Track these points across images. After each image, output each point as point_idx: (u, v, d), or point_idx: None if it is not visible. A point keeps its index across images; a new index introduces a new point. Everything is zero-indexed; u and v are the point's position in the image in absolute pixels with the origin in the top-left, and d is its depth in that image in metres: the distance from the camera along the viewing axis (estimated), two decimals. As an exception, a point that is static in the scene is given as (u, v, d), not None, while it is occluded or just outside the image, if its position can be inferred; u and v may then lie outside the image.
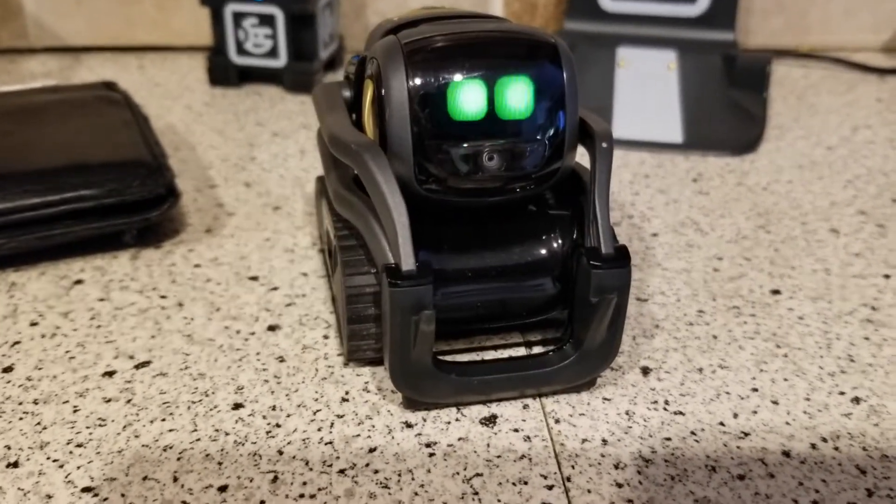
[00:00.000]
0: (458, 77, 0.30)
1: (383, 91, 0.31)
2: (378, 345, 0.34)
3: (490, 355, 0.36)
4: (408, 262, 0.30)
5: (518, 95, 0.31)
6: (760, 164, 0.56)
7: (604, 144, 0.32)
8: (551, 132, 0.31)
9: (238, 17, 0.66)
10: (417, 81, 0.30)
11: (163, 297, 0.40)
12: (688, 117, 0.61)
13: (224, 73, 0.68)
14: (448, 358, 0.35)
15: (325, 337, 0.37)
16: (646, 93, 0.64)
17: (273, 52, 0.67)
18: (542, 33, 0.32)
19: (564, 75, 0.31)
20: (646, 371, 0.36)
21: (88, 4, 0.75)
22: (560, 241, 0.34)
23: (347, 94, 0.37)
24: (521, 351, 0.37)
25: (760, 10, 0.78)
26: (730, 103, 0.63)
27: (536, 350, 0.37)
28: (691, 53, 0.67)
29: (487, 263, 0.34)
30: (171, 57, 0.76)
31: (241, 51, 0.67)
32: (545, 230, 0.34)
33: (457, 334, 0.37)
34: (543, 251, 0.34)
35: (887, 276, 0.43)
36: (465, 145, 0.31)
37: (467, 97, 0.30)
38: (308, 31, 0.66)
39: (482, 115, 0.30)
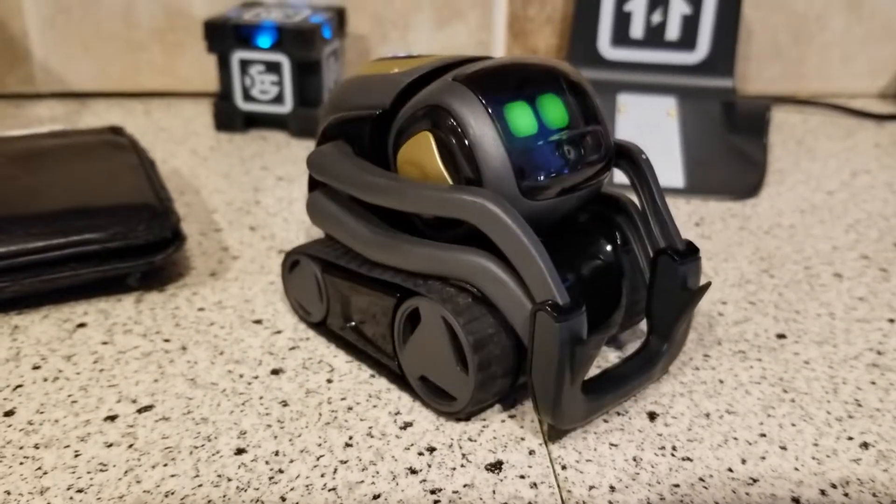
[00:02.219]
0: (526, 95, 0.33)
1: (467, 129, 0.32)
2: (500, 389, 0.34)
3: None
4: (563, 295, 0.30)
5: (558, 106, 0.34)
6: (762, 209, 0.56)
7: (644, 156, 0.36)
8: (599, 134, 0.35)
9: (245, 64, 0.67)
10: (500, 112, 0.32)
11: (166, 340, 0.40)
12: (689, 162, 0.61)
13: (230, 118, 0.69)
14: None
15: (329, 381, 0.37)
16: (646, 138, 0.64)
17: (279, 99, 0.68)
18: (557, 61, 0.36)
19: (587, 90, 0.35)
20: (652, 416, 0.35)
21: (96, 50, 0.76)
22: (620, 245, 0.37)
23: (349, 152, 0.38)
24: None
25: (758, 58, 0.79)
26: (730, 149, 0.64)
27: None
28: (691, 100, 0.68)
29: (591, 279, 0.36)
30: (177, 103, 0.76)
31: (248, 97, 0.68)
32: (621, 237, 0.37)
33: None
34: (617, 255, 0.37)
35: (892, 321, 0.43)
36: (550, 149, 0.33)
37: (545, 109, 0.33)
38: (313, 77, 0.67)
39: (537, 128, 0.33)
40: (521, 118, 0.33)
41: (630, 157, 0.37)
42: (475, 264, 0.33)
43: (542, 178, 0.33)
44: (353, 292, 0.38)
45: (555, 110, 0.33)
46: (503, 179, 0.32)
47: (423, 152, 0.34)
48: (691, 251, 0.36)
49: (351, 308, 0.39)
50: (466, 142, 0.32)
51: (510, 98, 0.33)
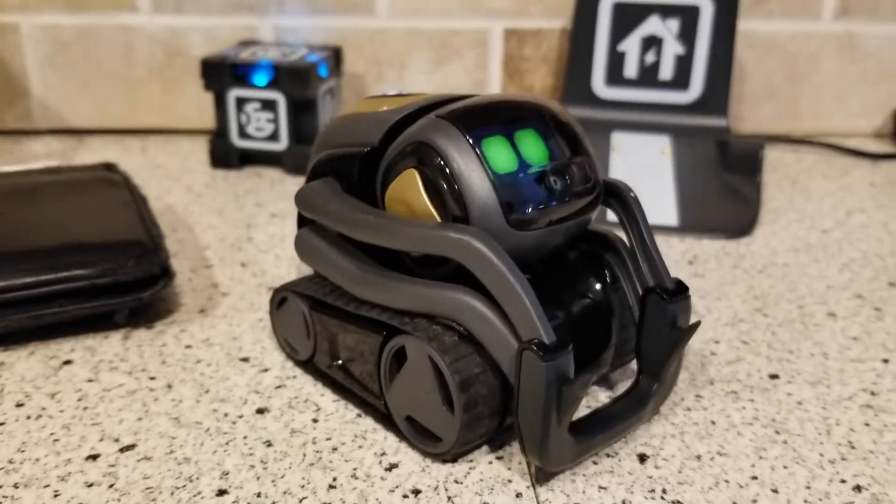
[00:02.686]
0: (503, 131, 0.33)
1: (453, 165, 0.32)
2: (487, 430, 0.34)
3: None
4: (549, 334, 0.30)
5: (537, 141, 0.34)
6: (756, 247, 0.56)
7: (632, 194, 0.36)
8: (585, 167, 0.35)
9: (241, 102, 0.67)
10: (483, 146, 0.33)
11: (152, 378, 0.40)
12: (682, 201, 0.61)
13: (226, 155, 0.69)
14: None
15: (315, 420, 0.37)
16: (640, 177, 0.64)
17: (274, 136, 0.68)
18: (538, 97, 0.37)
19: (570, 123, 0.35)
20: (643, 458, 0.35)
21: (94, 88, 0.76)
22: (625, 283, 0.37)
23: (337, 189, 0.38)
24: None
25: (752, 97, 0.80)
26: (724, 187, 0.64)
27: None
28: (685, 139, 0.68)
29: (580, 318, 0.36)
30: (174, 140, 0.77)
31: (243, 134, 0.68)
32: (610, 275, 0.37)
33: None
34: (614, 294, 0.37)
35: (886, 361, 0.42)
36: (534, 181, 0.33)
37: (523, 143, 0.33)
38: (309, 115, 0.68)
39: (518, 163, 0.33)
40: (500, 153, 0.33)
41: (618, 195, 0.37)
42: (461, 302, 0.32)
43: (529, 209, 0.33)
44: (341, 330, 0.38)
45: (533, 145, 0.33)
46: (490, 213, 0.32)
47: (409, 189, 0.34)
48: (680, 290, 0.36)
49: (338, 346, 0.38)
50: (452, 178, 0.32)
51: (491, 134, 0.33)
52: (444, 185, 0.33)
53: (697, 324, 0.35)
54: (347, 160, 0.37)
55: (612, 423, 0.34)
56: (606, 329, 0.37)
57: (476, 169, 0.32)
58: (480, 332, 0.32)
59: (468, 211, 0.32)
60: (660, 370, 0.36)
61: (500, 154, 0.33)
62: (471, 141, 0.32)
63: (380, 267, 0.36)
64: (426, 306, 0.34)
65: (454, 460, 0.34)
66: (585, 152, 0.35)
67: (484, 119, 0.34)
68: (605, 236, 0.38)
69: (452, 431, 0.33)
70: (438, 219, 0.33)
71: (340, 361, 0.38)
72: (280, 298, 0.41)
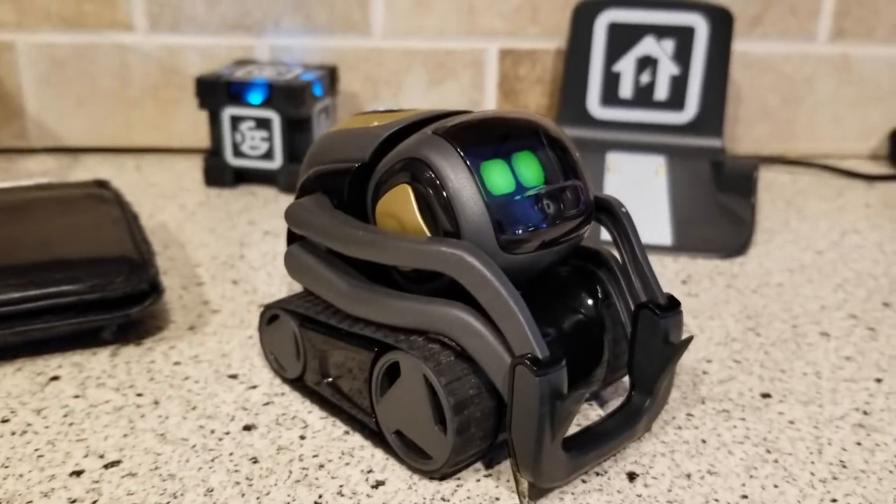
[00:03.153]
0: (502, 154, 0.33)
1: (446, 182, 0.32)
2: (478, 451, 0.33)
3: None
4: (542, 349, 0.30)
5: (533, 163, 0.34)
6: (750, 267, 0.56)
7: (623, 209, 0.37)
8: (577, 189, 0.35)
9: (235, 121, 0.67)
10: (482, 167, 0.32)
11: (139, 394, 0.40)
12: (677, 220, 0.61)
13: (220, 174, 0.69)
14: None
15: (302, 437, 0.36)
16: (635, 196, 0.64)
17: (269, 155, 0.68)
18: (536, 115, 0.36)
19: (566, 145, 0.35)
20: (632, 476, 0.34)
21: (90, 106, 0.76)
22: (618, 299, 0.37)
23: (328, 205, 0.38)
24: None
25: (747, 119, 0.80)
26: (718, 207, 0.64)
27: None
28: (679, 159, 0.68)
29: (572, 334, 0.36)
30: (169, 158, 0.77)
31: (238, 153, 0.68)
32: (602, 291, 0.37)
33: None
34: (606, 310, 0.37)
35: (879, 380, 0.42)
36: (529, 204, 0.33)
37: (521, 166, 0.33)
38: (304, 134, 0.68)
39: (515, 185, 0.33)
40: (498, 176, 0.33)
41: (610, 211, 0.37)
42: (454, 317, 0.32)
43: (520, 231, 0.33)
44: (331, 347, 0.37)
45: (531, 168, 0.33)
46: (482, 233, 0.32)
47: (401, 204, 0.34)
48: (672, 305, 0.35)
49: (328, 363, 0.38)
50: (445, 194, 0.32)
51: (487, 156, 0.33)
52: (437, 202, 0.32)
53: (690, 338, 0.35)
54: (337, 176, 0.37)
55: (605, 440, 0.34)
56: (598, 345, 0.36)
57: (470, 188, 0.32)
58: (473, 347, 0.32)
59: (460, 229, 0.32)
60: (652, 386, 0.35)
61: (498, 176, 0.33)
62: (466, 159, 0.32)
63: (370, 283, 0.36)
64: (418, 322, 0.33)
65: (442, 479, 0.34)
66: (579, 173, 0.35)
67: (480, 137, 0.34)
68: (598, 252, 0.38)
69: (444, 452, 0.32)
70: (429, 234, 0.33)
71: (330, 379, 0.38)
72: (270, 316, 0.41)
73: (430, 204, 0.33)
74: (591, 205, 0.35)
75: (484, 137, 0.34)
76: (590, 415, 0.39)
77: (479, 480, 0.34)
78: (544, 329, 0.34)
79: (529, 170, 0.33)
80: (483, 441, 0.33)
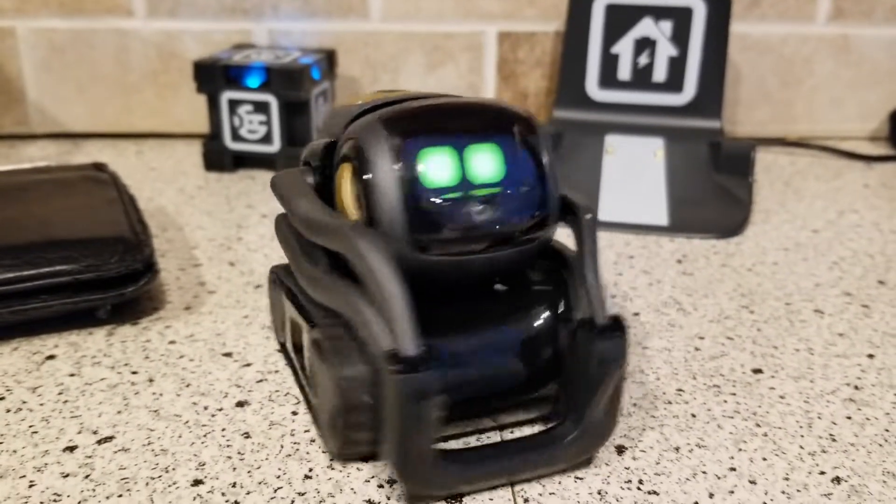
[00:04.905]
0: (454, 143, 0.31)
1: (368, 167, 0.31)
2: (373, 438, 0.32)
3: (471, 439, 0.35)
4: (411, 347, 0.28)
5: (490, 159, 0.31)
6: (746, 247, 0.56)
7: (587, 216, 0.33)
8: (532, 194, 0.32)
9: (233, 104, 0.67)
10: (412, 158, 0.31)
11: (134, 372, 0.40)
12: (674, 201, 0.61)
13: (219, 158, 0.69)
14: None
15: (294, 413, 0.37)
16: (632, 178, 0.64)
17: (267, 138, 0.68)
18: (511, 105, 0.34)
19: (535, 141, 0.32)
20: (620, 450, 0.35)
21: (90, 92, 0.77)
22: (549, 314, 0.34)
23: (311, 180, 0.36)
24: (496, 436, 0.36)
25: (747, 101, 0.80)
26: (716, 188, 0.64)
27: (516, 433, 0.36)
28: (678, 141, 0.68)
29: (481, 342, 0.33)
30: (169, 143, 0.77)
31: (236, 137, 0.69)
32: (535, 303, 0.34)
33: (448, 419, 0.34)
34: (535, 325, 0.34)
35: (871, 356, 0.42)
36: (462, 204, 0.31)
37: (472, 160, 0.31)
38: (302, 117, 0.68)
39: (458, 180, 0.31)
40: (438, 168, 0.31)
41: (575, 214, 0.33)
42: (349, 299, 0.31)
43: (441, 231, 0.31)
44: (294, 317, 0.38)
45: (486, 163, 0.31)
46: (393, 226, 0.31)
47: (341, 183, 0.34)
48: (614, 327, 0.32)
49: (297, 335, 0.38)
50: (366, 181, 0.31)
51: (431, 144, 0.31)
52: (361, 187, 0.32)
53: (616, 369, 0.32)
54: (317, 150, 0.37)
55: (504, 460, 0.31)
56: (528, 361, 0.34)
57: (390, 178, 0.31)
58: (363, 333, 0.31)
59: (377, 218, 0.31)
60: (582, 412, 0.32)
61: (438, 168, 0.31)
62: (399, 147, 0.31)
63: (322, 262, 0.35)
64: (334, 303, 0.33)
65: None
66: (545, 175, 0.32)
67: (430, 125, 0.32)
68: (566, 259, 0.35)
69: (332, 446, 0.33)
70: (357, 216, 0.32)
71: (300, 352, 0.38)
72: (272, 279, 0.42)
73: (356, 188, 0.32)
74: (553, 209, 0.33)
75: (435, 126, 0.32)
76: (516, 433, 0.36)
77: (468, 454, 0.34)
78: (445, 333, 0.32)
79: (484, 165, 0.31)
80: (370, 443, 0.32)
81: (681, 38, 0.70)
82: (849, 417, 0.37)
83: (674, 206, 0.61)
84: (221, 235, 0.56)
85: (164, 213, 0.60)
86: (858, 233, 0.58)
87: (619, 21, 0.71)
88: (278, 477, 0.33)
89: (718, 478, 0.33)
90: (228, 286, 0.49)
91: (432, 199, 0.31)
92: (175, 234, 0.56)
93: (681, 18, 0.70)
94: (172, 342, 0.43)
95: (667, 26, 0.70)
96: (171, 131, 0.79)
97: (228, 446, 0.35)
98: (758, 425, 0.36)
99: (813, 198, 0.65)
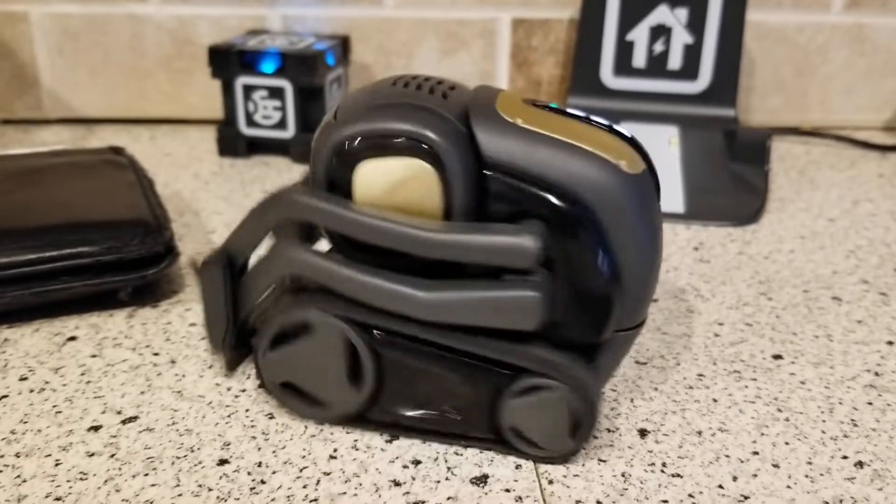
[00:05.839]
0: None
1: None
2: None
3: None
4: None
5: None
6: (762, 235, 0.56)
7: None
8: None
9: (248, 90, 0.67)
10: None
11: (156, 354, 0.40)
12: (689, 189, 0.61)
13: (233, 143, 0.69)
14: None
15: (317, 395, 0.37)
16: (647, 165, 0.64)
17: (281, 124, 0.68)
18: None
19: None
20: (643, 433, 0.35)
21: (103, 77, 0.77)
22: None
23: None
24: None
25: (761, 89, 0.80)
26: (731, 176, 0.64)
27: None
28: (692, 129, 0.68)
29: None
30: (183, 129, 0.77)
31: (251, 122, 0.69)
32: None
33: None
34: None
35: (890, 343, 0.42)
36: None
37: None
38: (316, 103, 0.68)
39: None
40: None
41: None
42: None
43: None
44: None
45: None
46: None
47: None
48: None
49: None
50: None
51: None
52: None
53: None
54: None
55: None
56: None
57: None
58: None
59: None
60: None
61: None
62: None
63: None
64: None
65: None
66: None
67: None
68: None
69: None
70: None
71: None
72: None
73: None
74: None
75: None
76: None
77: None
78: None
79: None
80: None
81: (696, 25, 0.70)
82: (870, 403, 0.37)
83: (690, 193, 0.60)
84: (238, 220, 0.56)
85: (180, 198, 0.60)
86: (874, 222, 0.58)
87: (634, 8, 0.71)
88: (303, 457, 0.33)
89: (741, 461, 0.33)
90: (246, 270, 0.49)
91: None
92: (192, 220, 0.56)
93: (697, 6, 0.70)
94: (193, 324, 0.43)
95: (682, 13, 0.70)
96: (184, 117, 0.79)
97: (252, 426, 0.35)
98: (779, 410, 0.36)
99: (828, 187, 0.65)
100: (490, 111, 0.32)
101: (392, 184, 0.31)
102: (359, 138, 0.31)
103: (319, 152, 0.32)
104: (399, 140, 0.31)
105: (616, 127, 0.33)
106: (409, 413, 0.34)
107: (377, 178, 0.31)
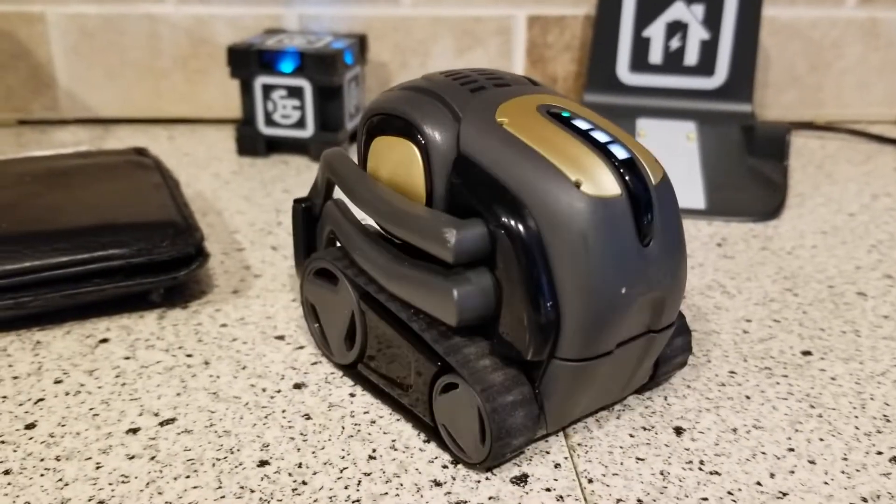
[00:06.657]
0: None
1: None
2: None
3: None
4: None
5: None
6: (783, 230, 0.56)
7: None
8: None
9: (267, 89, 0.68)
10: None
11: (189, 355, 0.40)
12: (709, 185, 0.61)
13: (252, 143, 0.70)
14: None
15: (352, 395, 0.37)
16: (666, 162, 0.64)
17: (300, 123, 0.68)
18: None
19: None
20: (679, 431, 0.35)
21: (119, 77, 0.77)
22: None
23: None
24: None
25: (775, 85, 0.80)
26: (750, 172, 0.64)
27: None
28: (710, 124, 0.68)
29: None
30: (200, 129, 0.77)
31: (270, 121, 0.69)
32: None
33: None
34: None
35: (920, 339, 0.42)
36: None
37: None
38: (335, 102, 0.68)
39: None
40: None
41: None
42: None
43: None
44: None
45: None
46: None
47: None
48: None
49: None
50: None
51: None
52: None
53: None
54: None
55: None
56: None
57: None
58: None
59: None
60: None
61: None
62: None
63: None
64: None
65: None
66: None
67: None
68: None
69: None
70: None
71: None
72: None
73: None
74: None
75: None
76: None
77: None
78: None
79: None
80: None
81: (713, 21, 0.70)
82: (902, 399, 0.37)
83: (710, 189, 0.61)
84: (261, 220, 0.57)
85: (203, 198, 0.60)
86: (893, 216, 0.58)
87: (650, 4, 0.71)
88: (342, 458, 0.33)
89: (778, 458, 0.33)
90: (273, 270, 0.49)
91: None
92: (215, 219, 0.57)
93: (713, 2, 0.70)
94: (224, 325, 0.43)
95: (699, 9, 0.70)
96: (201, 116, 0.79)
97: (290, 427, 0.35)
98: (812, 406, 0.36)
99: (846, 181, 0.65)
100: (485, 109, 0.33)
101: (392, 162, 0.35)
102: (376, 115, 0.35)
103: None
104: (399, 123, 0.34)
105: (613, 147, 0.31)
106: (384, 381, 0.36)
107: (383, 153, 0.35)
